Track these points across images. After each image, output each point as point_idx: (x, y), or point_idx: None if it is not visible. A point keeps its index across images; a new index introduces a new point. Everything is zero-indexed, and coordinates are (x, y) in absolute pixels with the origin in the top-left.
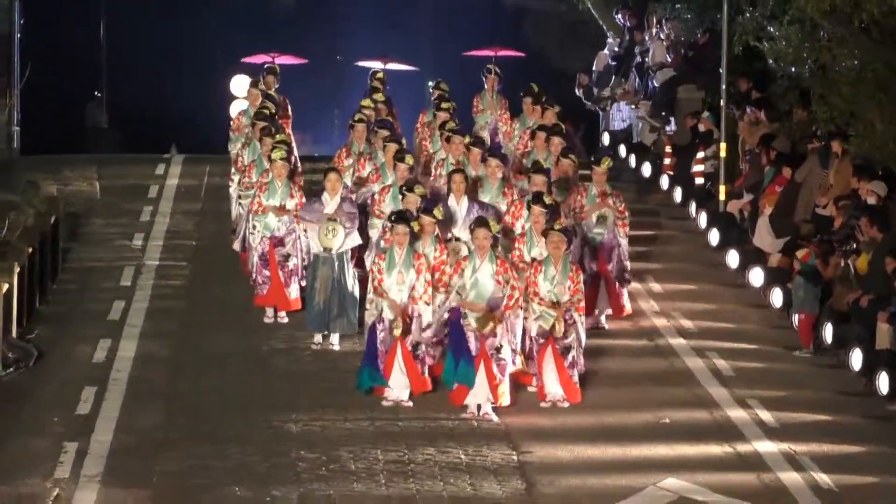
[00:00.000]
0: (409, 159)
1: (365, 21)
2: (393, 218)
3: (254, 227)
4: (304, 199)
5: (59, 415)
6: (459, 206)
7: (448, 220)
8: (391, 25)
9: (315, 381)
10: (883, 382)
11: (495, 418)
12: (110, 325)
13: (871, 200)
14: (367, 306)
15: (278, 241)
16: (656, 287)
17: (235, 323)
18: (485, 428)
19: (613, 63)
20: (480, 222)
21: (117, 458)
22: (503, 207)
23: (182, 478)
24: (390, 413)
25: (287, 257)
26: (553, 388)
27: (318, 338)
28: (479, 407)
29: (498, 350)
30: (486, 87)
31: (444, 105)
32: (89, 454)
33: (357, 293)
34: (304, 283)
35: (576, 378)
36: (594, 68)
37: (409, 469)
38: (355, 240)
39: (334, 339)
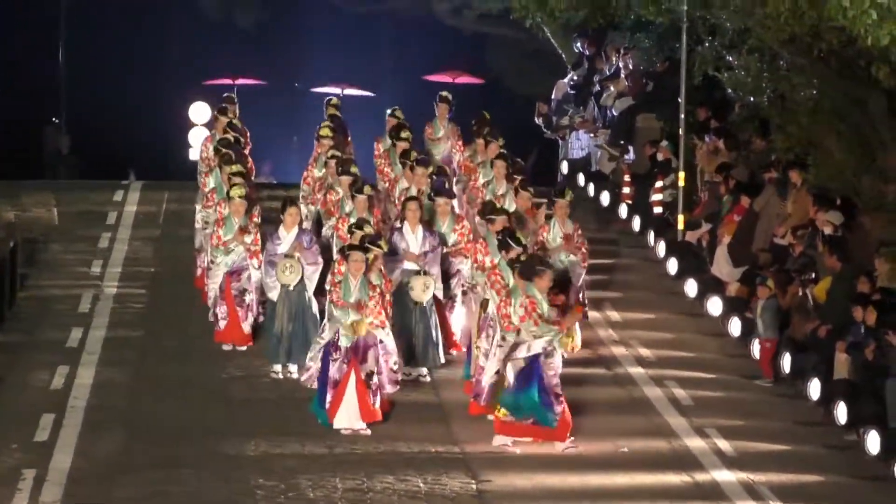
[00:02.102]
0: (367, 189)
1: (324, 47)
2: (348, 247)
3: (212, 260)
4: (258, 236)
5: (18, 442)
6: (415, 234)
7: (393, 251)
8: (350, 52)
9: (274, 409)
10: (841, 412)
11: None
12: (68, 352)
13: (827, 230)
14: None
15: (235, 276)
16: (615, 316)
17: (194, 350)
18: (444, 456)
19: (572, 92)
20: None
21: (75, 485)
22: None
23: None
24: (349, 441)
25: (243, 292)
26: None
27: (277, 367)
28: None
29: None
30: (437, 114)
31: (403, 135)
32: (48, 481)
33: (319, 323)
34: (261, 319)
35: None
36: (553, 97)
37: (368, 497)
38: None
39: (293, 367)
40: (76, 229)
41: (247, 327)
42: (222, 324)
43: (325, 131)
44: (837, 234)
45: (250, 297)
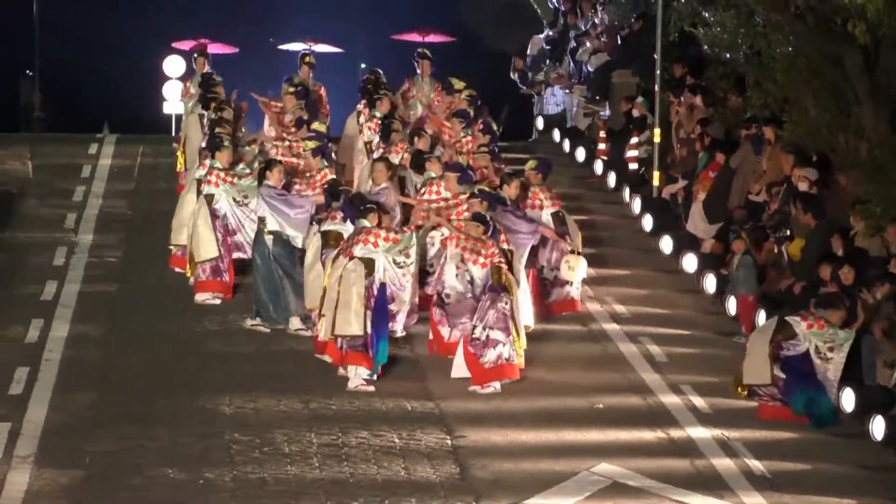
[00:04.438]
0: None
1: (296, 3)
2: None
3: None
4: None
5: None
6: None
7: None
8: (323, 7)
9: (248, 363)
10: None
11: None
12: (43, 306)
13: (803, 186)
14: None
15: (232, 231)
16: (590, 272)
17: (169, 304)
18: (419, 412)
19: (548, 47)
20: None
21: (50, 438)
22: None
23: (115, 458)
24: (324, 396)
25: (239, 247)
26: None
27: (296, 322)
28: None
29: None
30: (418, 72)
31: (382, 92)
32: (22, 435)
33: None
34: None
35: (488, 357)
36: (529, 52)
37: (343, 452)
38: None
39: (295, 322)
40: (51, 182)
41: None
42: (207, 275)
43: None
44: (812, 190)
45: (243, 256)
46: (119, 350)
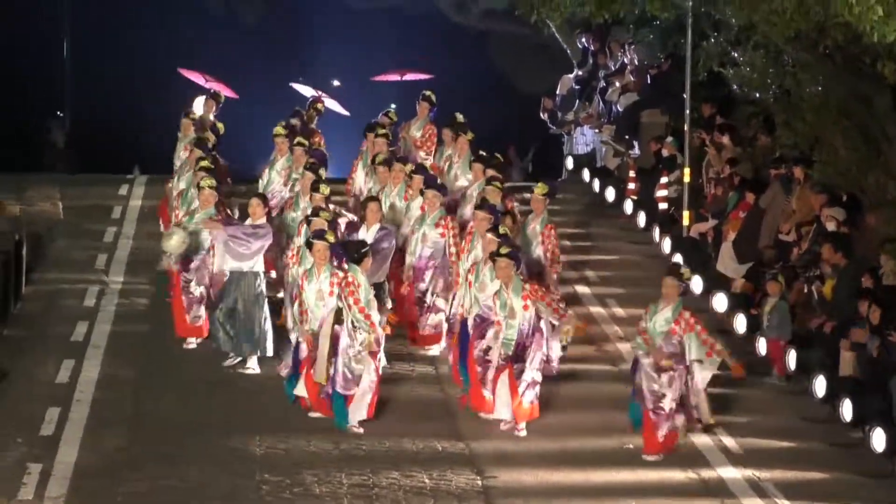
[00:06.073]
0: (325, 189)
1: (326, 47)
2: (312, 236)
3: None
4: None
5: (23, 436)
6: (368, 232)
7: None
8: (353, 50)
9: (279, 404)
10: (846, 410)
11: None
12: (74, 346)
13: (831, 226)
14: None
15: (184, 267)
16: (619, 312)
17: (199, 344)
18: (449, 452)
19: (577, 87)
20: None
21: (81, 479)
22: (438, 236)
23: (145, 499)
24: (354, 437)
25: (189, 283)
26: (503, 412)
27: (230, 360)
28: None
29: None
30: (417, 113)
31: (380, 132)
32: (53, 475)
33: (268, 316)
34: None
35: (529, 398)
36: (558, 92)
37: (374, 493)
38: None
39: (251, 363)
40: (81, 223)
41: (192, 318)
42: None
43: (279, 129)
44: (841, 230)
45: (200, 290)
46: (150, 390)
